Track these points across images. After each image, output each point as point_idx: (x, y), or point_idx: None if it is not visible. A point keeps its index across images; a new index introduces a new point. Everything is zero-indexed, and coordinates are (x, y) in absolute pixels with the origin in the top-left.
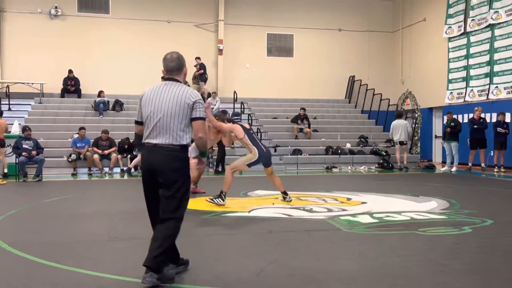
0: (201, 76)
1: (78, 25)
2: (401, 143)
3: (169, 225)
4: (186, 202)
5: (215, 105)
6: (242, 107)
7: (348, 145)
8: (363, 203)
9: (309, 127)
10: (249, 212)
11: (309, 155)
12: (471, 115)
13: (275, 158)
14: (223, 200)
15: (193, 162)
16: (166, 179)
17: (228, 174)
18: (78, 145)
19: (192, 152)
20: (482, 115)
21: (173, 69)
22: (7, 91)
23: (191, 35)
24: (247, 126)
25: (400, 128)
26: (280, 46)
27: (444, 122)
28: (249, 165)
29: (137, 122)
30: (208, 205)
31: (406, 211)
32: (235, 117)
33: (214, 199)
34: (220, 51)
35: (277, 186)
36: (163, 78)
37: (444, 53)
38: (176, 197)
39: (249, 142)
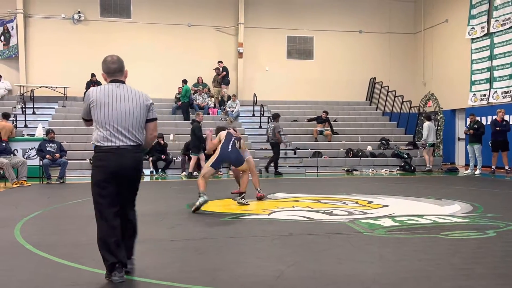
0: (224, 79)
1: (100, 29)
2: (432, 145)
3: (134, 216)
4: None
5: (234, 108)
6: (262, 109)
7: (369, 148)
8: (384, 206)
9: (331, 130)
10: (269, 214)
11: (329, 157)
12: (494, 117)
13: (294, 160)
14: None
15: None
16: (132, 179)
17: (198, 180)
18: None
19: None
20: (506, 117)
21: (116, 70)
22: (32, 94)
23: (211, 39)
24: (232, 132)
25: (432, 130)
26: (300, 49)
27: (467, 124)
28: (212, 165)
29: (84, 119)
30: (226, 207)
31: (429, 214)
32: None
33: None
34: (240, 54)
35: (241, 183)
36: (112, 81)
37: (467, 55)
38: (136, 193)
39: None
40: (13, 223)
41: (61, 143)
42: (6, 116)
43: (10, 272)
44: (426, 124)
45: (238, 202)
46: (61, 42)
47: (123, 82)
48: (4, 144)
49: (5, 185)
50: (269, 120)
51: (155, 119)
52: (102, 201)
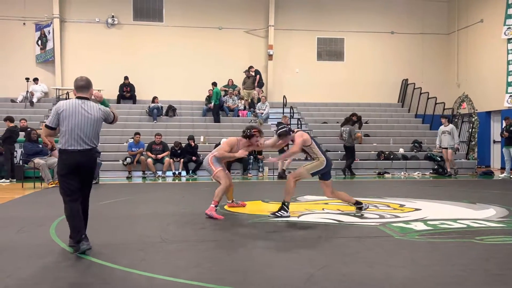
0: (258, 82)
1: (133, 33)
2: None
3: (87, 202)
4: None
5: (264, 110)
6: (292, 111)
7: (401, 150)
8: (416, 209)
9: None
10: (298, 217)
11: (360, 160)
12: None
13: None
14: (287, 211)
15: (220, 170)
16: (90, 173)
17: (290, 182)
18: (133, 149)
19: (215, 163)
20: None
21: (83, 87)
22: (67, 97)
23: (241, 41)
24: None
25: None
26: (330, 50)
27: (503, 126)
28: (314, 173)
29: (49, 127)
30: (254, 209)
31: (462, 218)
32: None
33: (276, 213)
34: (270, 56)
35: (346, 200)
36: (78, 97)
37: (503, 55)
38: (91, 185)
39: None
40: (49, 222)
41: None
42: (10, 119)
43: (45, 269)
44: (452, 126)
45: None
46: (95, 45)
47: (88, 99)
48: (40, 146)
49: (41, 185)
50: (299, 123)
51: (112, 120)
52: (66, 189)
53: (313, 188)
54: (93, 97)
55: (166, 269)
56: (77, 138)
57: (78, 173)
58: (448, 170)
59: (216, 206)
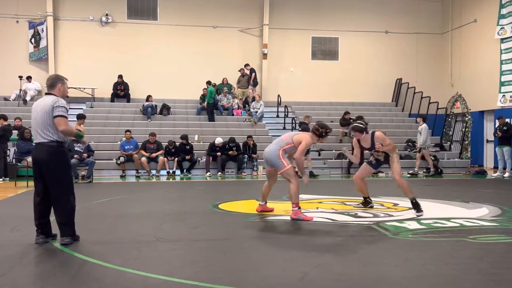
0: (253, 81)
1: (128, 31)
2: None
3: (56, 200)
4: (61, 182)
5: (259, 108)
6: (286, 110)
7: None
8: (410, 208)
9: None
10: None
11: None
12: None
13: (318, 162)
14: (418, 210)
15: (292, 167)
16: (46, 167)
17: (401, 181)
18: (126, 147)
19: (286, 158)
20: None
21: (48, 85)
22: None
23: (236, 40)
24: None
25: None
26: (325, 50)
27: (496, 126)
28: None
29: None
30: (248, 208)
31: (456, 217)
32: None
33: (417, 213)
34: (265, 55)
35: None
36: (46, 93)
37: (496, 55)
38: (55, 182)
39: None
40: None
41: (89, 143)
42: (4, 118)
43: (38, 268)
44: (425, 126)
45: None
46: (89, 44)
47: (52, 94)
48: (33, 145)
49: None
50: (293, 122)
51: (58, 116)
52: (34, 181)
53: (307, 187)
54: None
55: (160, 268)
56: (34, 132)
57: (37, 167)
58: (416, 169)
59: (299, 208)
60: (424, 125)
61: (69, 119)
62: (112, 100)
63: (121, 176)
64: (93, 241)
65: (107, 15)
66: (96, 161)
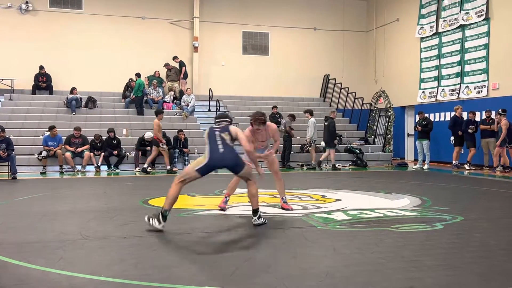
0: (183, 75)
1: (50, 20)
2: (314, 141)
3: None
4: None
5: (190, 102)
6: (218, 104)
7: (323, 143)
8: (337, 200)
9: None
10: (224, 210)
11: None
12: (442, 114)
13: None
14: (159, 222)
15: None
16: None
17: (172, 186)
18: (49, 143)
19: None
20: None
21: None
22: None
23: (166, 32)
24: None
25: (316, 126)
26: (255, 44)
27: (416, 120)
28: (198, 170)
29: None
30: (181, 203)
31: (380, 208)
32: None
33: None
34: (196, 48)
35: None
36: None
37: (416, 53)
38: None
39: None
40: None
41: (8, 137)
42: None
43: None
44: (312, 120)
45: (255, 224)
46: (7, 32)
47: None
48: None
49: None
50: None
51: None
52: None
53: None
54: None
55: (87, 267)
56: None
57: None
58: (313, 162)
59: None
60: (312, 119)
61: None
62: (33, 92)
63: (42, 173)
64: (15, 241)
65: (27, 2)
66: (16, 156)
